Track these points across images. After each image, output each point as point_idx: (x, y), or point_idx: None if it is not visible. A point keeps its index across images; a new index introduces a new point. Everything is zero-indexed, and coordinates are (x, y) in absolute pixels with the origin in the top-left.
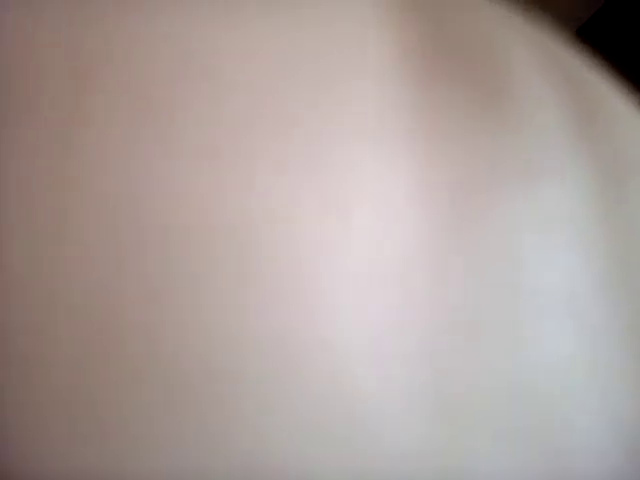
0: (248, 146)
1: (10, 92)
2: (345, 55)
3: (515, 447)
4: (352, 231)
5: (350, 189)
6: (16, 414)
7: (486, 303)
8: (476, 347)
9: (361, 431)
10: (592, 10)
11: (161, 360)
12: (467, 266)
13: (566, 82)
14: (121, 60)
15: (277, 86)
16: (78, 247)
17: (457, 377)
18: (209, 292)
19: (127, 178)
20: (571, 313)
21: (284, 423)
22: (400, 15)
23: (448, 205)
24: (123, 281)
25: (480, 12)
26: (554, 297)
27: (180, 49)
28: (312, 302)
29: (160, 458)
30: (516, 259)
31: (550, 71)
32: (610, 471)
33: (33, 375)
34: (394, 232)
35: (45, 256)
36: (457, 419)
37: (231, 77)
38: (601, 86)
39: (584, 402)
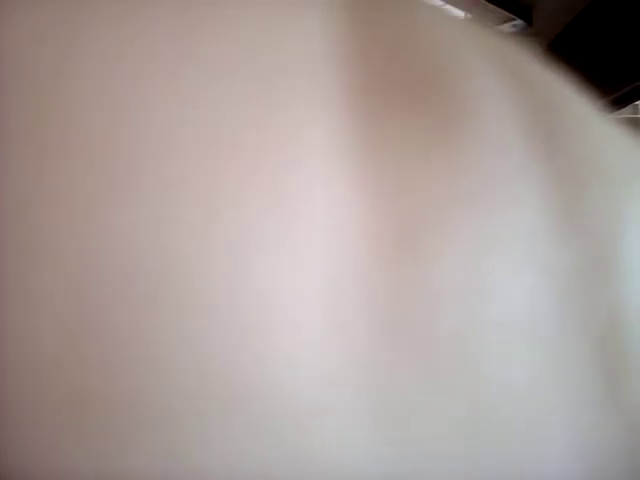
0: (202, 175)
1: None
2: (295, 75)
3: (479, 469)
4: (303, 263)
5: (301, 219)
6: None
7: (446, 333)
8: (436, 378)
9: (303, 436)
10: (564, 23)
11: (119, 374)
12: (425, 295)
13: (529, 91)
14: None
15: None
16: (50, 265)
17: (418, 404)
18: (168, 314)
19: (92, 206)
20: (533, 336)
21: (226, 423)
22: (353, 27)
23: (403, 231)
24: (89, 290)
25: (437, 21)
26: (515, 321)
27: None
28: (267, 324)
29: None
30: (475, 285)
31: (510, 81)
32: None
33: (22, 379)
34: (348, 261)
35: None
36: (415, 447)
37: (182, 106)
38: (565, 94)
39: (547, 423)
